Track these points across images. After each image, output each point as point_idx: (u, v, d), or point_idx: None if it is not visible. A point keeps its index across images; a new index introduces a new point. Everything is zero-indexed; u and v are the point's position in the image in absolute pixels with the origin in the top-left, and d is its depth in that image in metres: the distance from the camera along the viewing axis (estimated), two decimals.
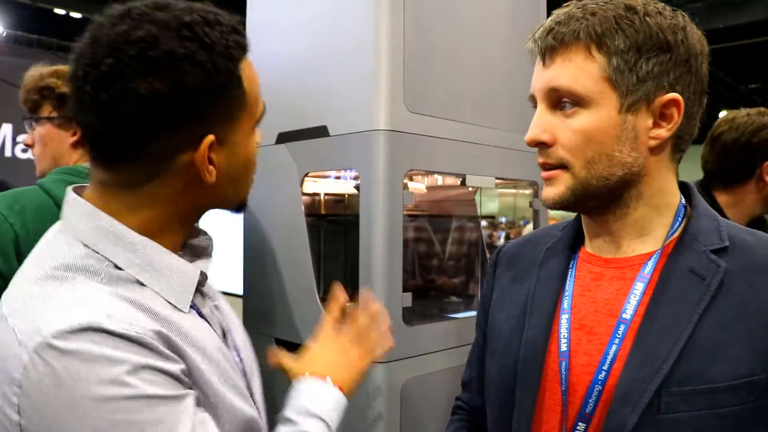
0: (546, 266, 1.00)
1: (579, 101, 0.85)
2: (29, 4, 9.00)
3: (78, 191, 0.84)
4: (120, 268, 0.79)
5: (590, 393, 0.86)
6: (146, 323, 0.74)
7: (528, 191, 2.16)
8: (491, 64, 1.89)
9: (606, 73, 0.84)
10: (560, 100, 0.87)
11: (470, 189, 2.22)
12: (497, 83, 1.91)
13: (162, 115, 0.75)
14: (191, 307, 0.84)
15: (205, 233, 0.95)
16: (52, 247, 0.81)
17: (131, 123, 0.75)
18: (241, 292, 2.05)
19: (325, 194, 2.09)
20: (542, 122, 0.89)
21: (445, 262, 2.27)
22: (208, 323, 0.88)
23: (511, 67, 1.94)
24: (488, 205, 2.33)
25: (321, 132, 1.70)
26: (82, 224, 0.80)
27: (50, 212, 1.40)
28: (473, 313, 2.02)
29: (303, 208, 1.79)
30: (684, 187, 0.96)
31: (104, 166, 0.81)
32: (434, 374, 1.68)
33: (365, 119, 1.58)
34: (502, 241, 11.72)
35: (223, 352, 0.86)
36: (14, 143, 7.20)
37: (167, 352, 0.75)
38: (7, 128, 7.20)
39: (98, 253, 0.78)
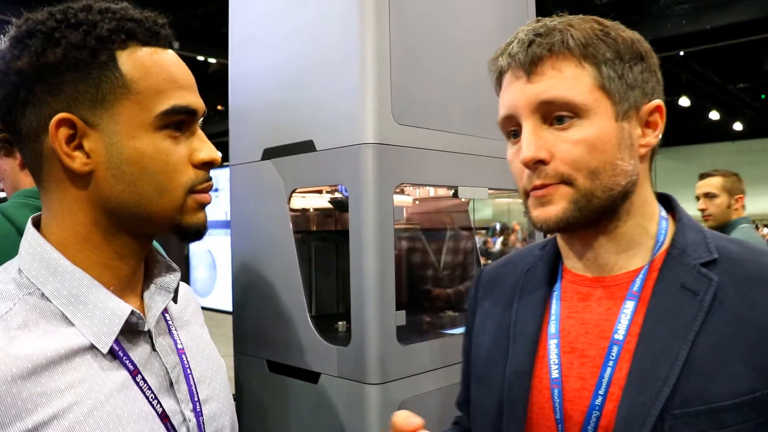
0: (527, 289, 0.96)
1: (576, 112, 0.81)
2: None
3: (38, 217, 0.85)
4: (48, 300, 0.77)
5: (588, 420, 0.82)
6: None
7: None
8: (480, 72, 1.84)
9: (598, 81, 0.82)
10: (552, 114, 0.82)
11: (463, 200, 2.18)
12: (487, 92, 1.85)
13: (24, 92, 0.76)
14: (113, 352, 0.78)
15: (173, 268, 0.91)
16: None
17: (6, 104, 0.78)
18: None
19: (314, 209, 2.05)
20: (538, 139, 0.82)
21: (440, 273, 2.23)
22: (133, 372, 0.80)
23: None
24: (482, 211, 2.28)
25: (307, 147, 1.66)
26: (24, 249, 0.81)
27: (13, 241, 1.29)
28: None
29: (291, 224, 1.74)
30: (665, 199, 0.93)
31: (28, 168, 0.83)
32: (431, 393, 1.63)
33: (352, 133, 1.54)
34: (498, 246, 11.68)
35: (140, 411, 0.79)
36: None
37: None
38: None
39: (29, 279, 0.77)
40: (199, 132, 0.84)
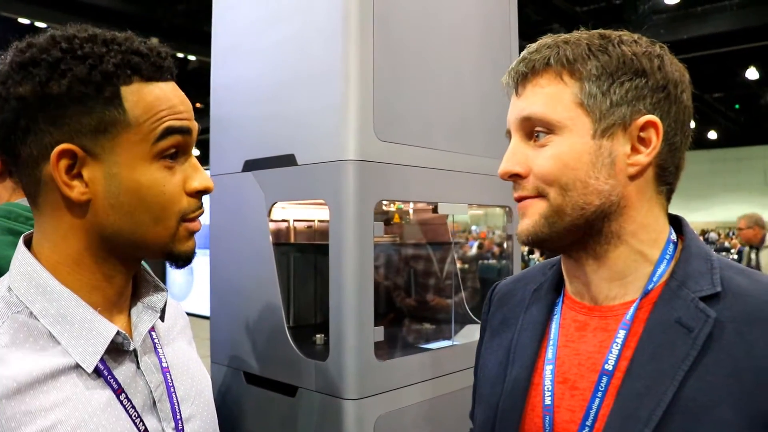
0: (530, 310, 0.94)
1: (551, 128, 0.82)
2: None
3: (30, 236, 0.85)
4: (36, 318, 0.78)
5: None
6: None
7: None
8: (463, 89, 1.86)
9: (578, 98, 0.82)
10: (533, 130, 0.84)
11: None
12: (470, 109, 1.88)
13: (26, 120, 0.76)
14: (98, 371, 0.80)
15: (161, 288, 0.92)
16: None
17: (5, 129, 0.78)
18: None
19: (294, 220, 2.04)
20: (516, 154, 0.86)
21: (416, 286, 2.24)
22: (117, 391, 0.81)
23: (484, 92, 1.92)
24: (458, 216, 2.28)
25: (289, 161, 1.65)
26: (15, 268, 0.82)
27: None
28: (447, 343, 1.99)
29: (270, 237, 1.74)
30: (675, 222, 0.88)
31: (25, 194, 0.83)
32: (408, 408, 1.63)
33: (334, 148, 1.54)
34: (474, 250, 11.69)
35: (122, 430, 0.79)
36: None
37: None
38: None
39: (18, 298, 0.78)
40: (193, 160, 0.86)
